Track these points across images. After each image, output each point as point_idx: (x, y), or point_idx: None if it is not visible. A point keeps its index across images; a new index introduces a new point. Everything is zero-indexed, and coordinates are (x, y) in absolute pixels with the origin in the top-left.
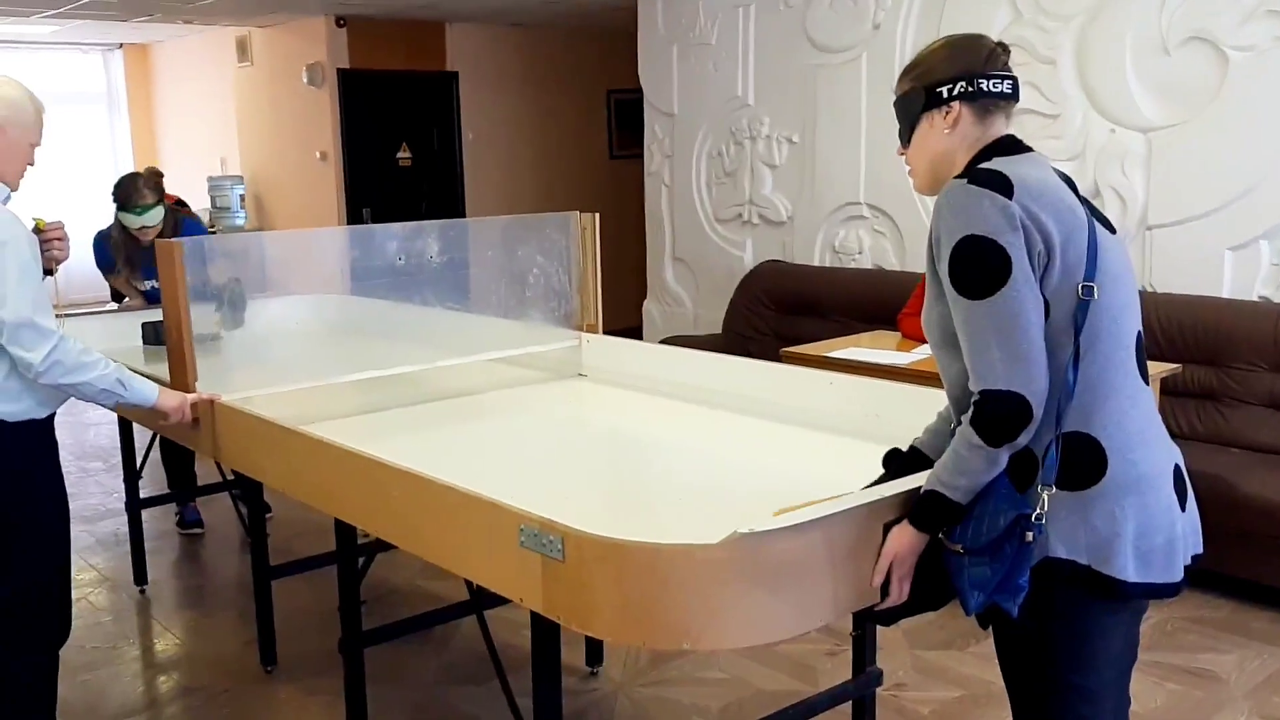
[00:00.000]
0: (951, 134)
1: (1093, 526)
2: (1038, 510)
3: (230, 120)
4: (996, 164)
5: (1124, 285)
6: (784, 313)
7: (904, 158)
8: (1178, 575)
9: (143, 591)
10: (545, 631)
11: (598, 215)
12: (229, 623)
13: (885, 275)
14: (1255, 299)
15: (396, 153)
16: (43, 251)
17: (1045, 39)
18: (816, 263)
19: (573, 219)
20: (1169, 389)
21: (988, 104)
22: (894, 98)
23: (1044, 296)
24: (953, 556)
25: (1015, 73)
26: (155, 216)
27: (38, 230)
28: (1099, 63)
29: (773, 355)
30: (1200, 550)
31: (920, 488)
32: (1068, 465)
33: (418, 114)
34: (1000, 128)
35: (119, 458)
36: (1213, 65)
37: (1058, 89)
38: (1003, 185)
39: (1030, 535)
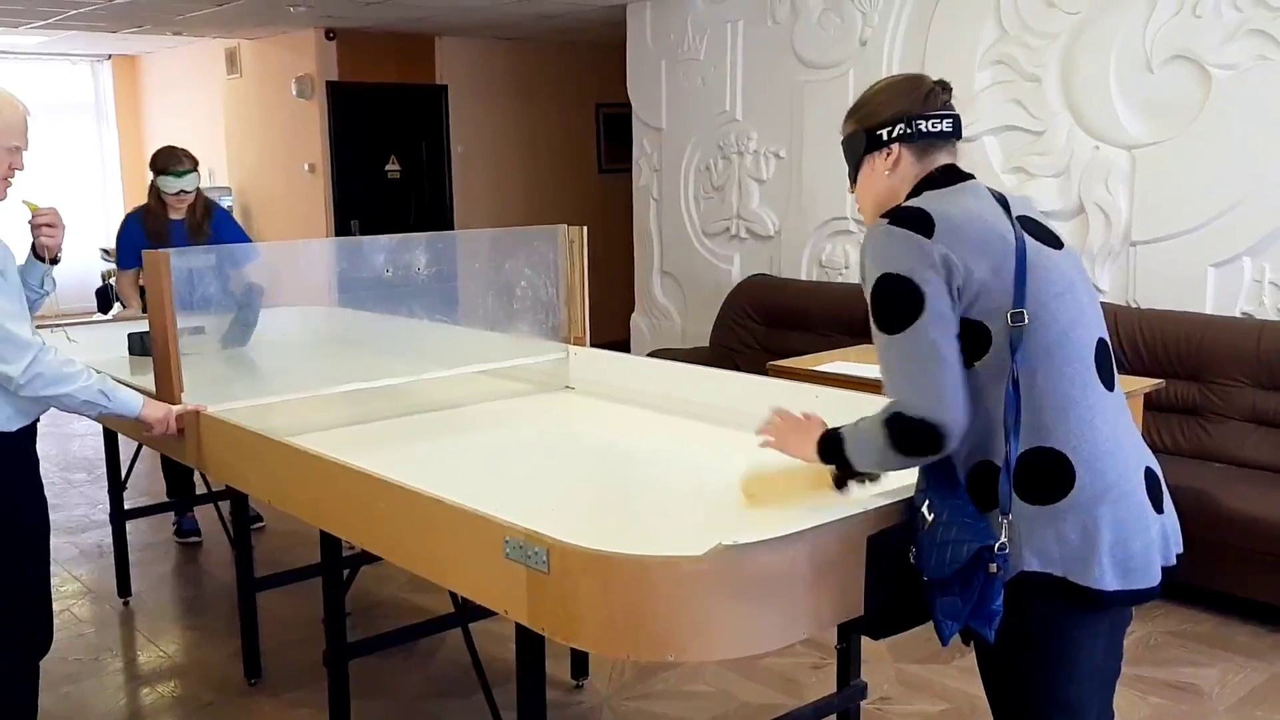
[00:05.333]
0: (892, 174)
1: (1066, 539)
2: (1001, 540)
3: (219, 132)
4: (923, 200)
5: (1070, 299)
6: (771, 326)
7: (854, 195)
8: (1155, 579)
9: (126, 603)
10: (530, 644)
11: (585, 228)
12: (213, 635)
13: None
14: (1238, 315)
15: (385, 165)
16: (34, 237)
17: (1031, 56)
18: (804, 277)
19: (560, 232)
20: (1152, 404)
21: (926, 144)
22: (840, 139)
23: (984, 324)
24: (924, 586)
25: (1002, 92)
26: (192, 182)
27: (32, 214)
28: (1084, 80)
29: (759, 369)
30: (1181, 550)
31: (912, 500)
32: (1036, 480)
33: (407, 127)
34: (940, 162)
35: (104, 469)
36: (1196, 83)
37: (1043, 106)
38: (922, 223)
39: (995, 566)
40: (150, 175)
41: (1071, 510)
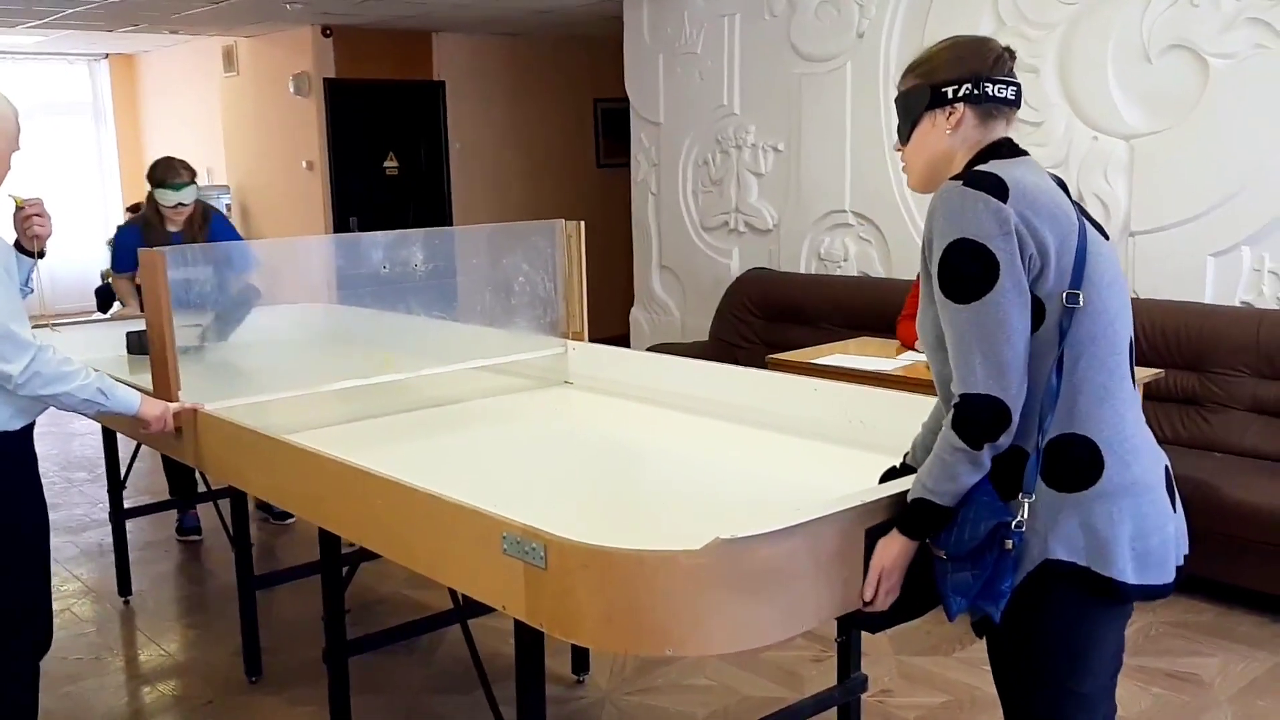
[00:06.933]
0: (953, 135)
1: (1091, 528)
2: (1018, 518)
3: (216, 130)
4: (992, 166)
5: (1117, 290)
6: (770, 320)
7: (900, 154)
8: (1170, 576)
9: (127, 602)
10: (529, 640)
11: (583, 223)
12: (214, 633)
13: (871, 282)
14: (1237, 304)
15: (383, 162)
16: (24, 229)
17: (1028, 47)
18: (803, 270)
19: (558, 227)
20: (1152, 394)
21: (991, 108)
22: (896, 93)
23: (1041, 300)
24: (938, 561)
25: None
26: (190, 194)
27: (17, 208)
28: (1081, 70)
29: (759, 362)
30: (1187, 550)
31: (906, 494)
32: (1065, 467)
33: (405, 123)
34: (1000, 132)
35: (104, 468)
36: (1194, 73)
37: (1041, 96)
38: (997, 188)
39: (1010, 543)
40: (148, 187)
41: (1098, 500)
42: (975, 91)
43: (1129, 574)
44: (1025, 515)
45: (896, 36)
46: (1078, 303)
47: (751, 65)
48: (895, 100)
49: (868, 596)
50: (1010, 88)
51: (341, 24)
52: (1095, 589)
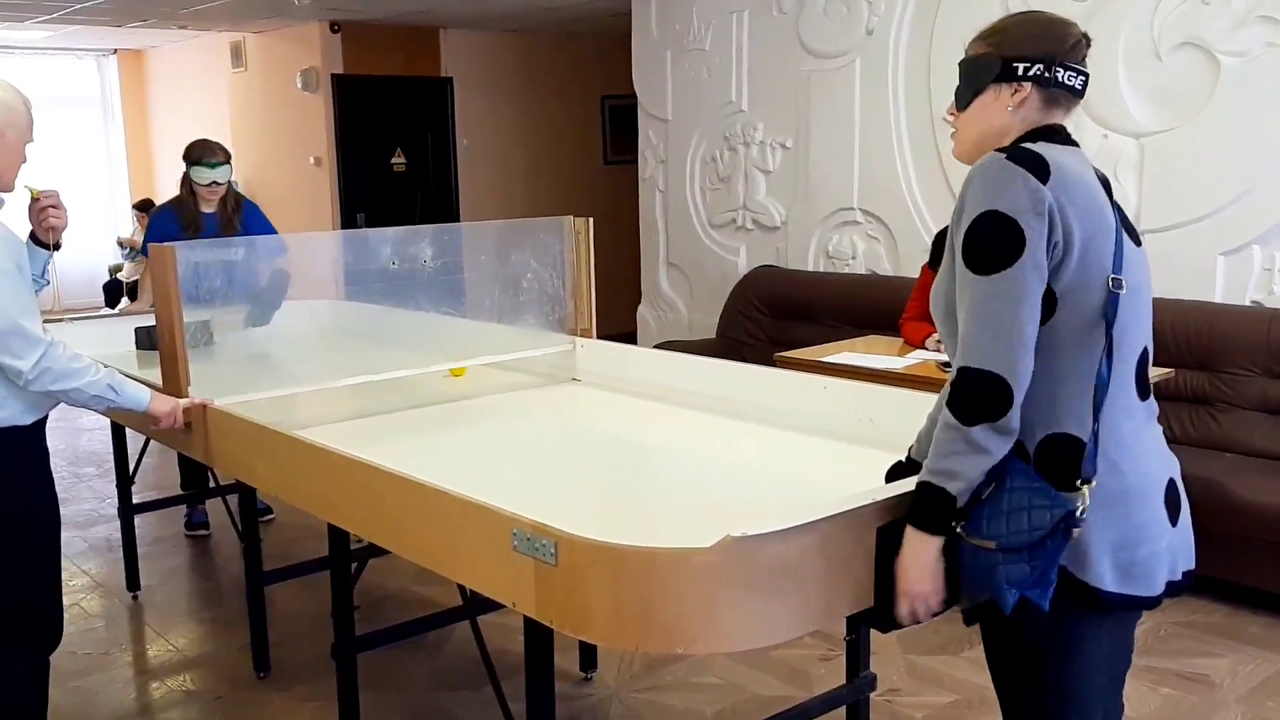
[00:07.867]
0: (1013, 113)
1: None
2: (1082, 506)
3: (224, 125)
4: (1040, 147)
5: (1138, 298)
6: (778, 317)
7: (951, 120)
8: (1157, 589)
9: (135, 597)
10: (538, 637)
11: (591, 220)
12: (222, 628)
13: (879, 280)
14: (1247, 304)
15: (391, 158)
16: (40, 221)
17: None
18: (810, 268)
19: (566, 223)
20: (1161, 394)
21: (1058, 94)
22: (963, 57)
23: (1053, 291)
24: (982, 555)
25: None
26: (225, 173)
27: (33, 200)
28: (1091, 68)
29: (767, 360)
30: (1192, 566)
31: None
32: (1055, 465)
33: (412, 119)
34: (1058, 119)
35: (113, 463)
36: (1205, 71)
37: None
38: (1039, 168)
39: (1076, 531)
40: (184, 167)
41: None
42: (1046, 74)
43: (1107, 581)
44: (1089, 503)
45: (906, 33)
46: (1121, 288)
47: (760, 62)
48: (960, 64)
49: (903, 620)
50: (1080, 77)
51: (349, 20)
52: (1074, 594)
